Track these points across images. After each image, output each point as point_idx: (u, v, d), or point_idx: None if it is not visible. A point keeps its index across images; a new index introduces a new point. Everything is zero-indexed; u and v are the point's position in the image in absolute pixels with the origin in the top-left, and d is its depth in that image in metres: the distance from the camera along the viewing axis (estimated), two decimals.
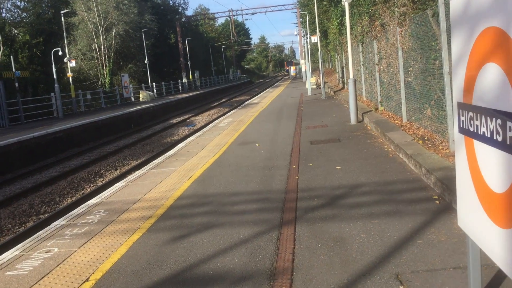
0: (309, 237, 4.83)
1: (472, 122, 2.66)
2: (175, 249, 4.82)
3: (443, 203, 5.43)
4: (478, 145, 2.59)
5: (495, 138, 2.35)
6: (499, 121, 2.29)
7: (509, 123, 2.18)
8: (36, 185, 13.29)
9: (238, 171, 8.36)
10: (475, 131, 2.62)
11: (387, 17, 11.25)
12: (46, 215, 9.95)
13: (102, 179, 13.73)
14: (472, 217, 2.77)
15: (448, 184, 5.46)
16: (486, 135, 2.46)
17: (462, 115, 2.81)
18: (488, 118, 2.41)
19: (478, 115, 2.55)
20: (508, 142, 2.19)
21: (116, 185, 8.21)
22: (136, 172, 9.27)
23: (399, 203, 5.60)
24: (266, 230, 5.15)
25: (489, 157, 2.43)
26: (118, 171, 14.46)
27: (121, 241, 5.19)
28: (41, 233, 5.84)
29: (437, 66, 7.96)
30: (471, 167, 2.71)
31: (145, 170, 9.29)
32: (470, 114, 2.67)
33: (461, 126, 2.85)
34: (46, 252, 5.13)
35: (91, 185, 13.04)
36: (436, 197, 5.65)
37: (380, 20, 12.31)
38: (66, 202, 11.41)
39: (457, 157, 2.99)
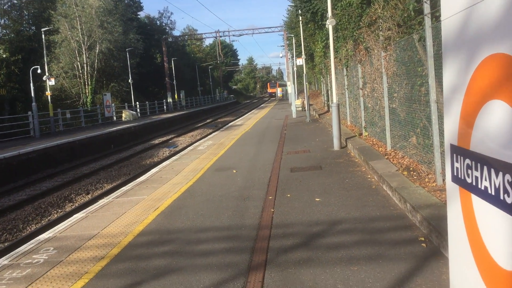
0: (278, 287, 4.21)
1: (469, 171, 2.10)
2: None
3: (430, 246, 4.85)
4: (478, 202, 2.02)
5: (502, 198, 1.78)
6: (508, 177, 1.72)
7: None
8: (1, 209, 12.48)
9: (210, 201, 7.73)
10: (474, 183, 2.05)
11: (372, 41, 10.85)
12: None
13: (71, 204, 12.98)
14: None
15: (435, 225, 4.90)
16: (490, 191, 1.89)
17: (457, 161, 2.25)
18: (493, 170, 1.85)
19: (478, 164, 1.99)
20: None
21: (75, 216, 7.50)
22: (100, 201, 8.56)
23: (381, 245, 5.01)
24: (231, 277, 4.52)
25: (493, 221, 1.86)
26: (89, 195, 13.73)
27: None
28: None
29: (423, 93, 7.50)
30: (468, 228, 2.13)
31: (111, 198, 8.59)
32: (467, 161, 2.11)
33: (455, 174, 2.29)
34: None
35: (59, 210, 12.30)
36: (423, 239, 5.08)
37: (364, 44, 11.92)
38: (29, 230, 10.66)
39: (449, 211, 2.42)
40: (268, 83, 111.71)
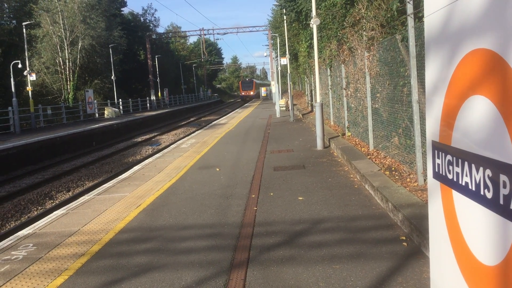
0: (260, 285, 4.20)
1: (450, 167, 2.11)
2: None
3: (411, 245, 4.90)
4: (459, 198, 2.04)
5: (482, 193, 1.80)
6: (488, 172, 1.74)
7: (502, 177, 1.63)
8: None
9: (193, 199, 7.68)
10: (455, 179, 2.07)
11: (355, 41, 10.91)
12: None
13: (51, 201, 12.80)
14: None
15: (416, 224, 4.95)
16: (470, 187, 1.91)
17: (438, 158, 2.27)
18: (474, 165, 1.86)
19: (460, 160, 2.00)
20: (501, 202, 1.64)
21: (55, 212, 7.39)
22: (81, 198, 8.45)
23: (363, 244, 5.04)
24: (213, 275, 4.50)
25: (474, 217, 1.88)
26: (70, 192, 13.56)
27: (41, 286, 4.42)
28: None
29: (405, 93, 7.57)
30: (449, 224, 2.15)
31: (92, 195, 8.49)
32: (449, 157, 2.13)
33: (436, 170, 2.31)
34: None
35: (39, 207, 12.12)
36: (404, 238, 5.13)
37: (348, 44, 11.99)
38: (8, 226, 10.47)
39: (430, 208, 2.44)
40: (240, 83, 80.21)
